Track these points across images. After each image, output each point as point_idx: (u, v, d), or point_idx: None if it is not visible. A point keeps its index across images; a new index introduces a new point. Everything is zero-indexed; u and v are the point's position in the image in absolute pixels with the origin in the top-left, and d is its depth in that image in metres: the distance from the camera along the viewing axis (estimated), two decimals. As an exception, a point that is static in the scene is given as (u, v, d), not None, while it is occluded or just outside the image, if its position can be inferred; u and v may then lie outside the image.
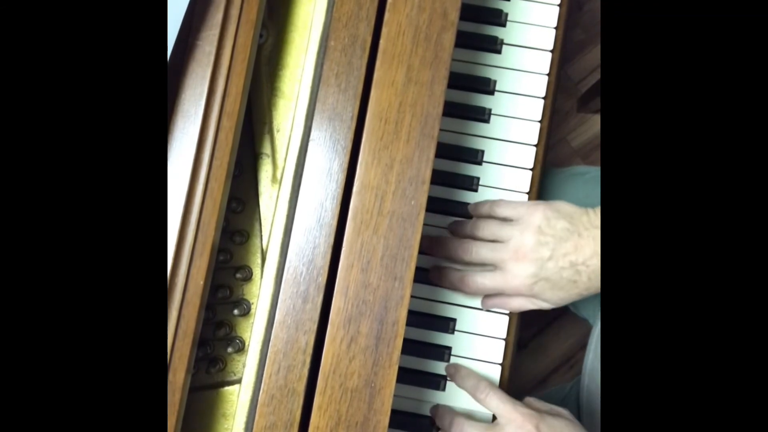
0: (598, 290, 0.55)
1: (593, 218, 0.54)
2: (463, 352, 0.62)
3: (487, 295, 0.61)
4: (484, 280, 0.58)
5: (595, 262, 0.53)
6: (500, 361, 0.62)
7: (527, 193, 0.63)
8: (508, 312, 0.62)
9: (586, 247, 0.53)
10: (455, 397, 0.62)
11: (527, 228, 0.55)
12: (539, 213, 0.55)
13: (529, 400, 0.57)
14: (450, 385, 0.62)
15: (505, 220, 0.58)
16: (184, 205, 0.46)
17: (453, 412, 0.58)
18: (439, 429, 0.60)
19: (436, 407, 0.60)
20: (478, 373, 0.60)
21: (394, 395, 0.46)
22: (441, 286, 0.62)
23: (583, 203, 0.67)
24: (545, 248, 0.54)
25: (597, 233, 0.53)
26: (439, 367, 0.62)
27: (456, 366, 0.61)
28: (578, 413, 0.69)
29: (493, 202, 0.59)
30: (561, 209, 0.55)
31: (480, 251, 0.57)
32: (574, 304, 0.75)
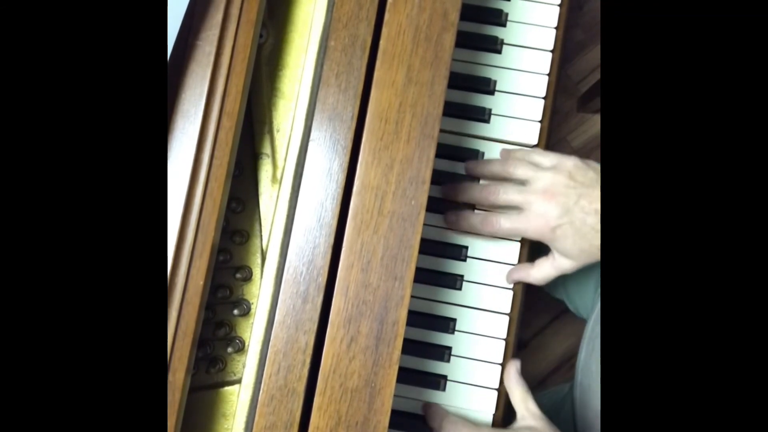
0: None
1: None
2: (463, 352, 0.62)
3: (511, 270, 0.61)
4: (506, 220, 0.58)
5: None
6: (500, 361, 0.62)
7: (527, 193, 0.63)
8: (508, 311, 0.62)
9: None
10: (455, 397, 0.62)
11: (559, 172, 0.57)
12: (572, 161, 0.57)
13: (514, 401, 0.59)
14: (450, 385, 0.62)
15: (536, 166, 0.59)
16: (184, 205, 0.46)
17: (444, 412, 0.58)
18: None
19: (429, 406, 0.60)
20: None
21: (394, 395, 0.46)
22: (457, 230, 0.61)
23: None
24: (574, 192, 0.55)
25: None
26: (439, 367, 0.62)
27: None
28: (573, 410, 0.70)
29: (527, 150, 0.60)
30: (591, 163, 0.57)
31: (508, 191, 0.58)
32: (574, 303, 0.75)
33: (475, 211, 0.61)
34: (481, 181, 0.62)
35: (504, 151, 0.62)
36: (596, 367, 0.63)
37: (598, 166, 0.57)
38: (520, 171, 0.58)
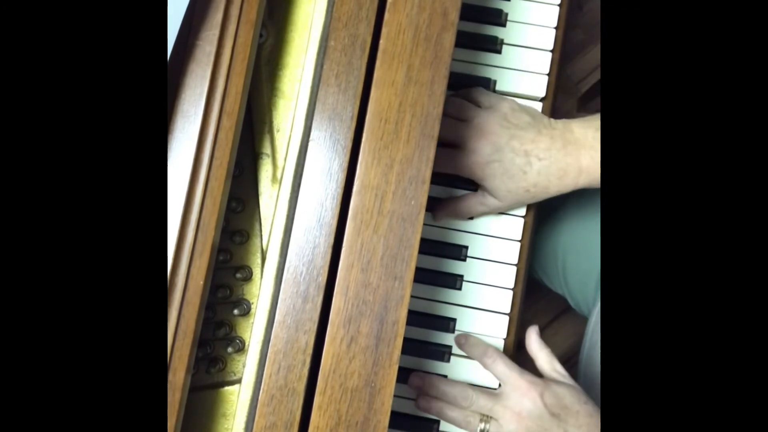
0: (544, 194, 0.58)
1: (553, 123, 0.58)
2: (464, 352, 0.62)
3: (437, 208, 0.62)
4: (441, 157, 0.58)
5: (547, 158, 0.56)
6: (500, 361, 0.62)
7: (527, 193, 0.63)
8: (508, 311, 0.62)
9: (542, 142, 0.56)
10: (455, 397, 0.62)
11: (494, 112, 0.58)
12: (507, 103, 0.59)
13: (540, 365, 0.60)
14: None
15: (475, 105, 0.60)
16: (184, 205, 0.46)
17: (485, 345, 0.60)
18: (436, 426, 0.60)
19: (465, 337, 0.61)
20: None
21: (394, 395, 0.46)
22: None
23: (582, 199, 0.67)
24: (506, 132, 0.57)
25: (555, 133, 0.57)
26: (440, 367, 0.62)
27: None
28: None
29: (470, 88, 0.62)
30: (527, 108, 0.60)
31: (446, 128, 0.59)
32: (575, 299, 0.75)
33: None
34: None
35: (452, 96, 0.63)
36: (599, 359, 0.64)
37: (533, 111, 0.59)
38: (454, 109, 0.60)
